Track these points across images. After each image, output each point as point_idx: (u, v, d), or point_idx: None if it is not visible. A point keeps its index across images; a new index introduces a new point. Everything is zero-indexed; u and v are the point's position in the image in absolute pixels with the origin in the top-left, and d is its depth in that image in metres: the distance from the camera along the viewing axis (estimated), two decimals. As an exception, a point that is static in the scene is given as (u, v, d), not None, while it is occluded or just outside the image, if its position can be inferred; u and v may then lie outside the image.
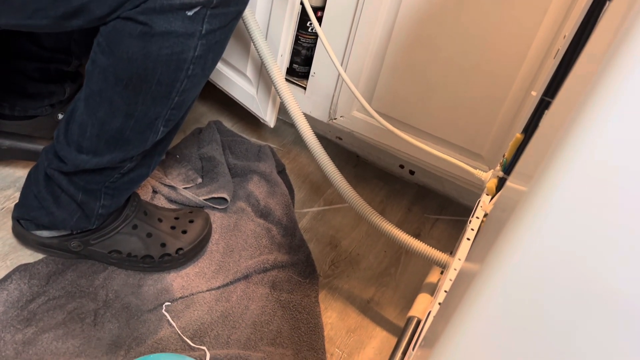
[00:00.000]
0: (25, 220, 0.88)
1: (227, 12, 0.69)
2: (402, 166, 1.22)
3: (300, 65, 1.17)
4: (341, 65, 1.07)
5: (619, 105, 0.27)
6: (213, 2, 0.66)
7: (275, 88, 0.98)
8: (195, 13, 0.66)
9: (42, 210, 0.84)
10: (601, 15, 0.58)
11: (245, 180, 1.09)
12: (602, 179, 0.28)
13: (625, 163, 0.27)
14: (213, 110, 1.28)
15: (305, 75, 1.16)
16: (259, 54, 0.97)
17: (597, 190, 0.29)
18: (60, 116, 1.07)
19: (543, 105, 0.67)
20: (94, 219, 0.85)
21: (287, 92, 0.97)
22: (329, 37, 1.04)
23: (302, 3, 0.98)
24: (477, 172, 0.91)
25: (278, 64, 1.02)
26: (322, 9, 1.08)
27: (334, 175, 0.95)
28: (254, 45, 0.96)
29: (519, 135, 0.68)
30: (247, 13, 0.93)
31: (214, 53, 0.72)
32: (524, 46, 0.91)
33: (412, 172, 1.22)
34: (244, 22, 0.93)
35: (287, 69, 1.15)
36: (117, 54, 0.69)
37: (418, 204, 1.21)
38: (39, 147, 0.97)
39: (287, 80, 1.14)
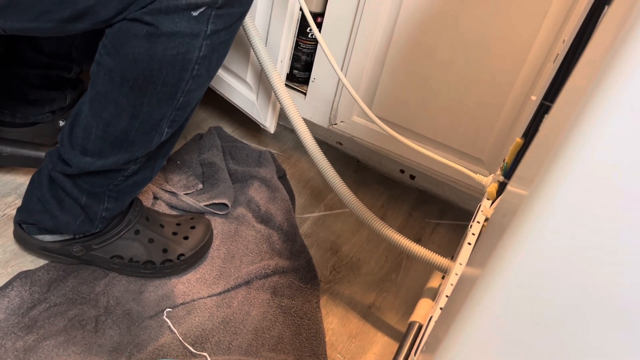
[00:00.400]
0: (27, 225, 0.88)
1: (231, 12, 0.69)
2: (402, 171, 1.22)
3: (300, 71, 1.17)
4: (341, 70, 1.08)
5: (618, 108, 0.27)
6: (218, 3, 0.67)
7: (275, 94, 0.98)
8: (200, 13, 0.66)
9: (45, 214, 0.84)
10: (600, 19, 0.58)
11: (245, 186, 1.09)
12: (602, 181, 0.28)
13: (626, 165, 0.28)
14: (214, 116, 1.28)
15: (305, 81, 1.17)
16: (259, 60, 0.97)
17: (598, 192, 0.29)
18: (61, 123, 1.07)
19: (543, 109, 0.67)
20: (97, 223, 0.85)
21: (287, 98, 0.97)
22: (328, 42, 1.04)
23: (301, 9, 0.99)
24: (478, 177, 0.91)
25: (278, 70, 1.02)
26: (322, 14, 1.08)
27: (335, 181, 0.95)
28: (254, 51, 0.96)
29: (519, 140, 0.68)
30: (247, 19, 0.93)
31: (219, 53, 0.73)
32: (524, 51, 0.92)
33: (412, 177, 1.22)
34: (244, 29, 0.94)
35: (287, 74, 1.15)
36: (123, 55, 0.69)
37: (419, 209, 1.21)
38: (40, 153, 0.97)
39: (287, 86, 1.14)
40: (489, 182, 0.85)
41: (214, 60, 0.72)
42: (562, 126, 0.33)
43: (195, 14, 0.66)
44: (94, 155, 0.78)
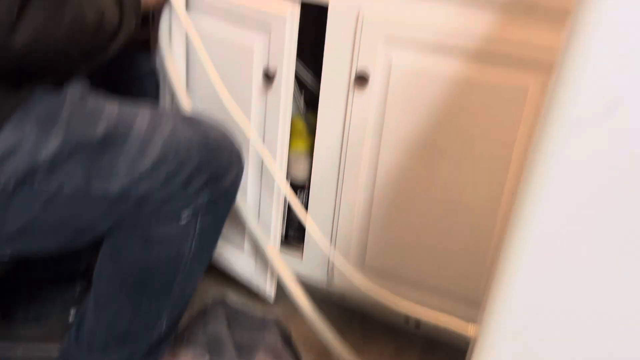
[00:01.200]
0: None
1: (216, 214, 0.77)
2: (407, 321, 1.23)
3: (295, 231, 1.23)
4: (331, 229, 1.13)
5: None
6: (203, 210, 0.75)
7: (271, 266, 1.04)
8: (187, 221, 0.74)
9: None
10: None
11: (251, 357, 1.10)
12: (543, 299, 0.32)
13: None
14: (216, 283, 1.32)
15: (301, 241, 1.22)
16: (253, 238, 1.04)
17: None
18: (72, 311, 1.11)
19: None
20: None
21: (283, 268, 1.02)
22: (317, 205, 1.11)
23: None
24: (470, 328, 0.92)
25: (272, 237, 1.08)
26: (309, 180, 1.17)
27: (334, 346, 0.96)
28: (247, 230, 1.04)
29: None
30: (239, 201, 1.01)
31: (208, 247, 0.80)
32: (495, 202, 0.97)
33: (417, 326, 1.23)
34: (237, 211, 1.02)
35: (283, 238, 1.21)
36: (121, 261, 0.76)
37: (428, 357, 1.19)
38: (52, 352, 1.00)
39: (282, 249, 1.20)
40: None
41: (205, 254, 0.79)
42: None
43: (183, 222, 0.73)
44: (99, 351, 0.81)
